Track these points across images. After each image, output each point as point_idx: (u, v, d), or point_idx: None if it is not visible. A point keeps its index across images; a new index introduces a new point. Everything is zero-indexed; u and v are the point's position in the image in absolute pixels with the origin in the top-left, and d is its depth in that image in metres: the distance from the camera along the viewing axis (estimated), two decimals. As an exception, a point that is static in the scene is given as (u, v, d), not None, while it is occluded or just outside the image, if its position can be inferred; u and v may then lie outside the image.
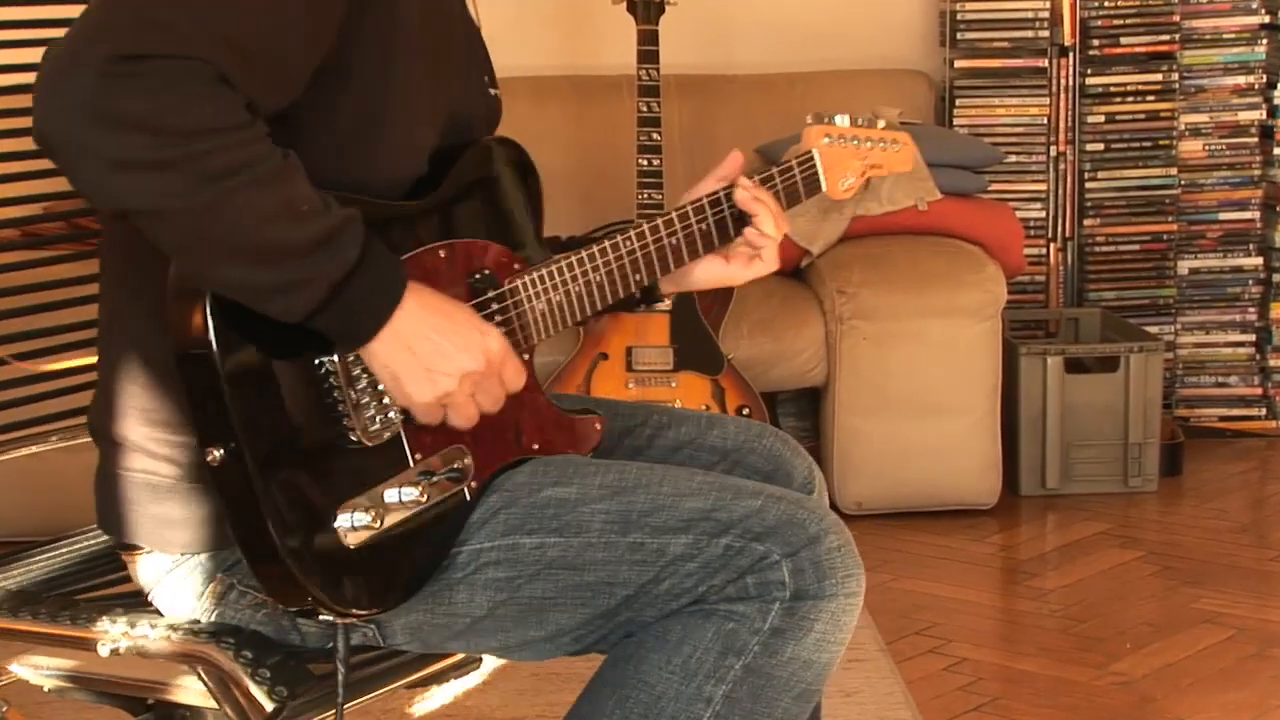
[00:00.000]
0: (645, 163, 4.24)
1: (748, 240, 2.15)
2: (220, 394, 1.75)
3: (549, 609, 1.90)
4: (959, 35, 5.04)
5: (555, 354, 4.26)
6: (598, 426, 2.08)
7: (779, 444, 2.18)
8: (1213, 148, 5.09)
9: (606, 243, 2.06)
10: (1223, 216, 5.11)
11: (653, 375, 4.17)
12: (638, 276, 2.09)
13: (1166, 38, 5.03)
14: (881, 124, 2.28)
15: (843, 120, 2.25)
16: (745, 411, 4.17)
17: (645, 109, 4.26)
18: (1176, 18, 5.02)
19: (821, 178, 2.24)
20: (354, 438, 1.81)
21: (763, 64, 5.14)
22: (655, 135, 4.25)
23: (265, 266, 1.71)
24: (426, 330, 1.80)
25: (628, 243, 2.08)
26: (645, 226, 2.09)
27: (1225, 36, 5.07)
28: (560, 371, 4.20)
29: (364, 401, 1.82)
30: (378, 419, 1.82)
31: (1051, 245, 5.10)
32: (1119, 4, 5.02)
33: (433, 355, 1.80)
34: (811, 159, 2.23)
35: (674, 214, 2.12)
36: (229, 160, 1.67)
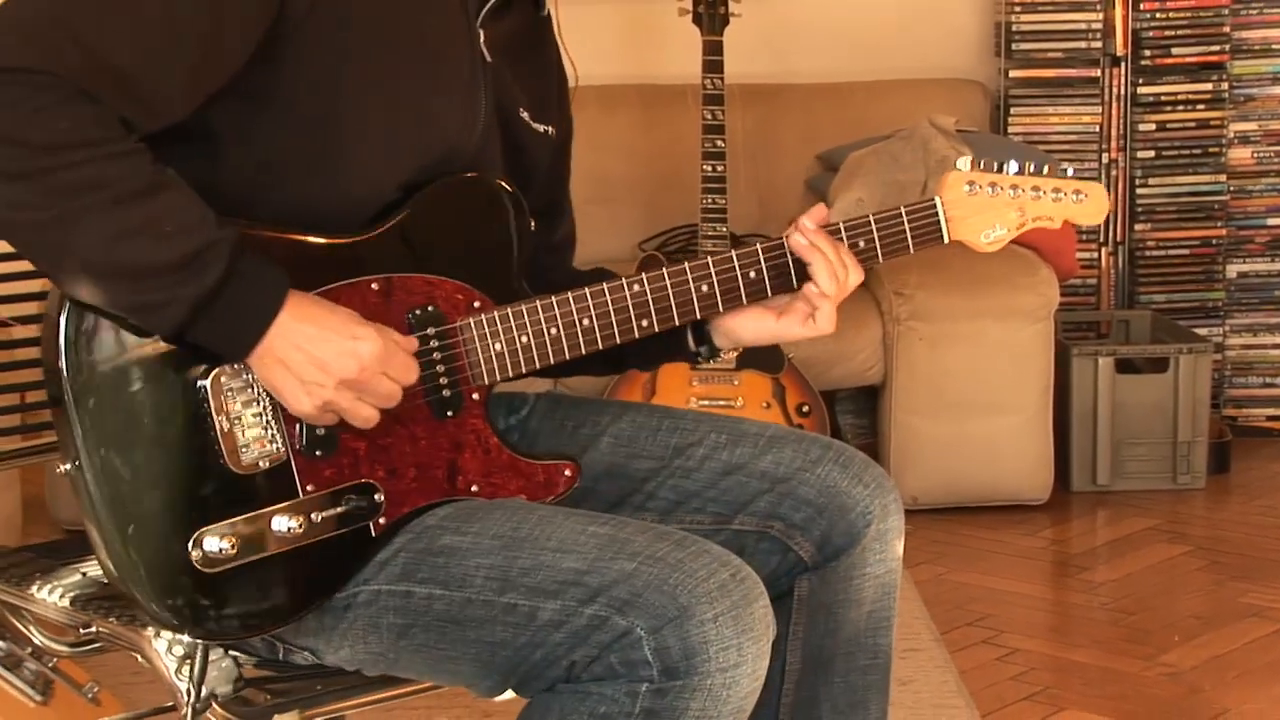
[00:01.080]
0: (709, 168, 4.24)
1: (804, 295, 1.96)
2: (65, 406, 1.71)
3: (445, 660, 1.81)
4: (1014, 46, 5.03)
5: (622, 353, 4.27)
6: (567, 473, 1.95)
7: (837, 471, 2.00)
8: (1261, 155, 5.06)
9: (605, 284, 1.92)
10: (1271, 222, 5.08)
11: (716, 373, 4.18)
12: (645, 323, 1.93)
13: (1217, 48, 5.01)
14: (1069, 171, 2.05)
15: (1012, 167, 2.01)
16: (805, 409, 4.18)
17: (710, 117, 4.26)
18: (1227, 29, 5.00)
19: (944, 228, 1.99)
20: (225, 465, 1.75)
21: (824, 73, 5.14)
22: (719, 142, 4.25)
23: (121, 284, 1.67)
24: (300, 341, 1.73)
25: (635, 285, 1.92)
26: (666, 270, 1.94)
27: (1275, 47, 5.04)
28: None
29: (235, 430, 1.76)
30: (254, 448, 1.76)
31: (1103, 249, 5.08)
32: (1170, 15, 5.00)
33: (305, 367, 1.74)
34: (933, 207, 1.99)
35: (709, 259, 1.95)
36: (84, 176, 1.63)
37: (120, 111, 1.67)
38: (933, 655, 3.46)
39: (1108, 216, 5.02)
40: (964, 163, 1.99)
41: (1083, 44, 5.01)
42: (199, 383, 1.75)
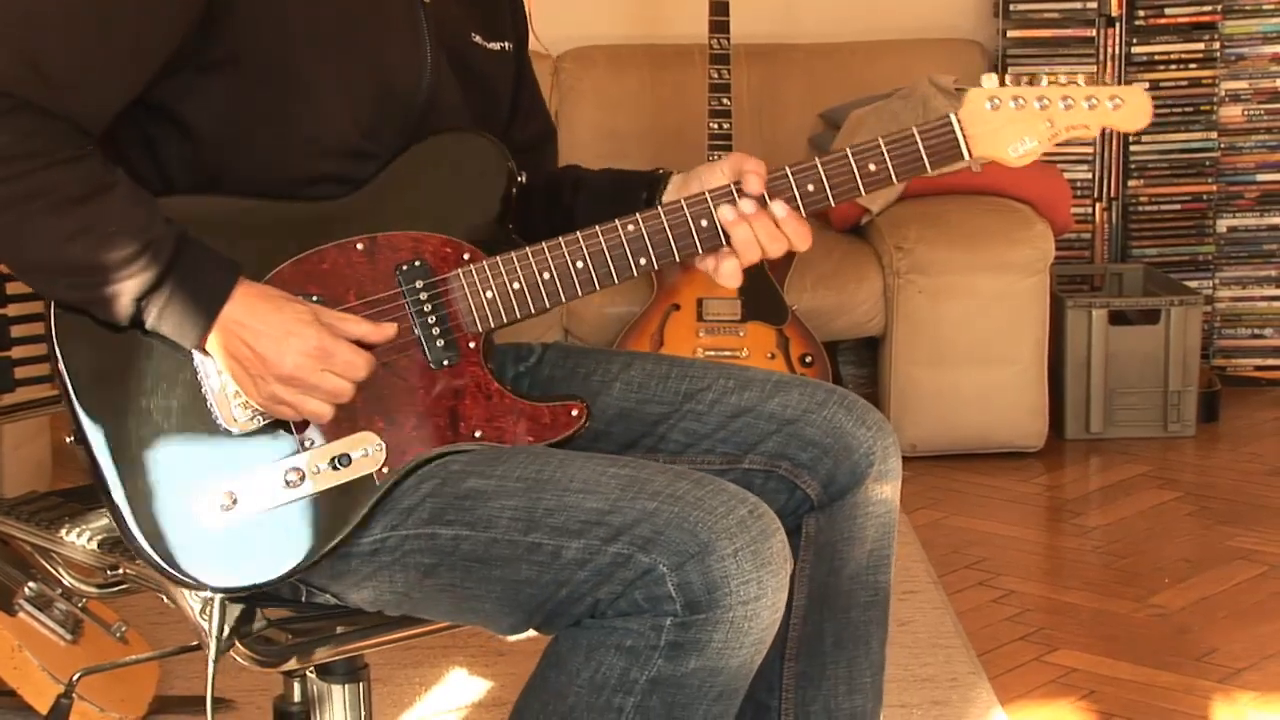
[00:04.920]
0: (715, 126, 4.24)
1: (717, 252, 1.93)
2: (65, 386, 1.77)
3: (470, 598, 1.82)
4: (1011, 6, 5.00)
5: (630, 305, 4.27)
6: (574, 413, 1.93)
7: (842, 413, 1.99)
8: (1251, 113, 5.04)
9: (598, 227, 1.89)
10: (1260, 178, 5.07)
11: (722, 325, 4.18)
12: (643, 261, 1.89)
13: (1209, 8, 4.98)
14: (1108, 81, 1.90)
15: (1041, 80, 1.88)
16: (808, 359, 4.17)
17: (716, 76, 4.26)
18: (1218, -11, 4.98)
19: (964, 144, 1.87)
20: (222, 425, 1.79)
21: (827, 33, 5.12)
22: (725, 100, 4.25)
23: (69, 282, 1.73)
24: (245, 337, 1.75)
25: (630, 225, 1.89)
26: (662, 207, 1.91)
27: (1265, 7, 5.01)
28: (635, 321, 4.21)
29: (227, 392, 1.79)
30: (248, 408, 1.79)
31: (1097, 205, 5.07)
32: (1164, -24, 4.98)
33: (250, 361, 1.76)
34: (948, 124, 1.88)
35: (706, 194, 1.91)
36: (26, 187, 1.68)
37: (67, 114, 1.71)
38: (931, 597, 3.47)
39: (1102, 173, 5.01)
40: (988, 79, 1.89)
41: (1078, 4, 4.98)
42: (187, 351, 1.79)
